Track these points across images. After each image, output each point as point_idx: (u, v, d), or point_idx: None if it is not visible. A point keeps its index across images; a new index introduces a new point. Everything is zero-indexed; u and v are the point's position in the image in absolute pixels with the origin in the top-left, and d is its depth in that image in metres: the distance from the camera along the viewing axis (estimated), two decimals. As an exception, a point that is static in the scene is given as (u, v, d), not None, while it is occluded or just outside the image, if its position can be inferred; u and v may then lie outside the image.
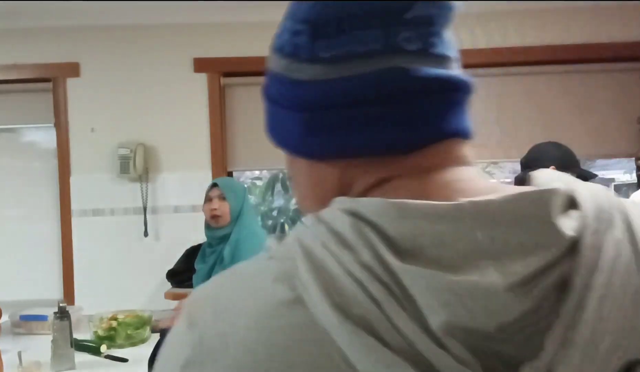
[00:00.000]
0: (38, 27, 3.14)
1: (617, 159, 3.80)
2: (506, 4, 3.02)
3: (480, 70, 3.15)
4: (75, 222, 3.19)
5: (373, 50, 0.43)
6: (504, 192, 0.39)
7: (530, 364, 0.34)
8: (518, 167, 2.34)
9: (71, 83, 3.19)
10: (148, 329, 2.37)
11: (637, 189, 2.48)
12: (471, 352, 0.34)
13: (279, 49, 0.47)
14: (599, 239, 0.37)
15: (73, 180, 3.19)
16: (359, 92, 0.43)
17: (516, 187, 0.41)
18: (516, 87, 3.19)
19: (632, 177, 2.28)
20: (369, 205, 0.38)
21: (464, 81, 0.46)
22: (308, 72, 0.44)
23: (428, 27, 0.44)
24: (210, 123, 3.18)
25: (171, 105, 3.18)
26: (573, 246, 0.36)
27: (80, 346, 2.15)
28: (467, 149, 0.46)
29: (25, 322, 2.55)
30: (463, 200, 0.37)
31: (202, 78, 3.18)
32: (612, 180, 5.56)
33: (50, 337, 2.02)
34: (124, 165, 3.08)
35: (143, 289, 3.03)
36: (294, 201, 4.28)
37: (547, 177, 0.43)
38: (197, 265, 2.39)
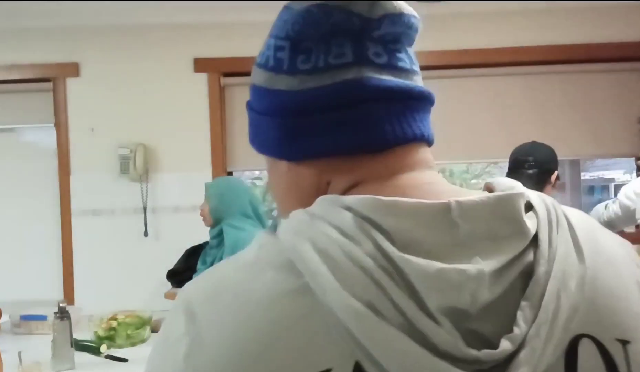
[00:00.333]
0: (38, 27, 3.14)
1: (617, 159, 3.80)
2: (506, 4, 3.02)
3: (480, 70, 3.16)
4: (75, 222, 3.19)
5: (345, 63, 0.49)
6: (471, 194, 0.45)
7: (508, 337, 0.40)
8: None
9: (71, 83, 3.19)
10: (148, 329, 2.37)
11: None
12: (456, 329, 0.39)
13: (263, 64, 0.53)
14: (551, 236, 0.44)
15: (73, 180, 3.19)
16: (331, 99, 0.49)
17: (478, 191, 0.48)
18: (516, 87, 3.18)
19: (632, 177, 2.28)
20: (361, 202, 0.43)
21: (425, 92, 0.52)
22: (288, 83, 0.50)
23: (394, 44, 0.51)
24: (210, 123, 3.18)
25: (171, 105, 3.18)
26: (533, 241, 0.44)
27: (80, 346, 2.15)
28: (429, 154, 0.52)
29: (25, 322, 2.55)
30: (450, 199, 0.43)
31: (202, 78, 3.18)
32: (612, 180, 5.56)
33: (50, 337, 2.02)
34: (124, 165, 3.08)
35: (143, 289, 3.03)
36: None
37: (509, 183, 0.49)
38: (198, 265, 2.40)
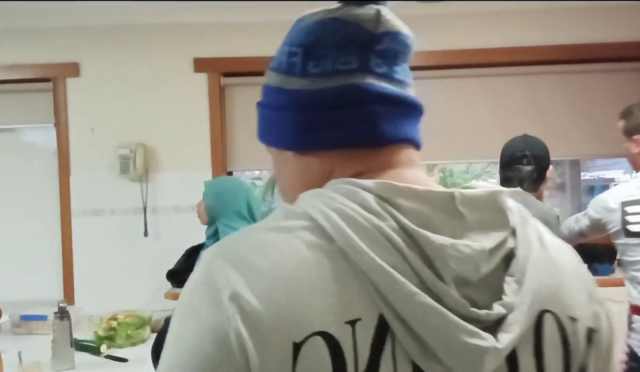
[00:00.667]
0: (38, 27, 3.14)
1: (617, 159, 3.80)
2: (506, 4, 3.03)
3: (480, 70, 3.16)
4: (75, 222, 3.19)
5: (350, 69, 0.57)
6: (459, 189, 0.54)
7: (501, 303, 0.49)
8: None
9: (71, 83, 3.19)
10: (148, 329, 2.37)
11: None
12: (461, 295, 0.48)
13: (277, 67, 0.62)
14: (525, 228, 0.54)
15: (73, 180, 3.19)
16: (338, 99, 0.57)
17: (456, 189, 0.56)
18: (516, 87, 3.18)
19: (632, 177, 2.29)
20: (379, 185, 0.50)
21: (416, 102, 0.60)
22: (300, 84, 0.58)
23: (393, 59, 0.59)
24: (210, 123, 3.18)
25: (171, 105, 3.18)
26: (512, 230, 0.53)
27: (80, 346, 2.15)
28: (417, 155, 0.60)
29: (25, 322, 2.55)
30: (454, 190, 0.52)
31: (202, 78, 3.18)
32: (612, 180, 5.56)
33: (50, 337, 2.02)
34: (124, 165, 3.08)
35: (143, 289, 3.03)
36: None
37: (489, 186, 0.57)
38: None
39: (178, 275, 2.89)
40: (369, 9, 0.58)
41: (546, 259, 0.54)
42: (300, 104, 0.58)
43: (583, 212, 2.31)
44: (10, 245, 3.24)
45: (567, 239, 2.16)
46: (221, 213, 2.23)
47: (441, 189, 0.52)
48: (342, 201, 0.49)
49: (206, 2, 2.82)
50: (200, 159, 3.17)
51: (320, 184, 0.54)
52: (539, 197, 2.16)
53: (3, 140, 3.32)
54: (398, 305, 0.46)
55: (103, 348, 2.16)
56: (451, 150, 3.12)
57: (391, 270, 0.46)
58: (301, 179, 0.60)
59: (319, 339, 0.45)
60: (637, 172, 2.22)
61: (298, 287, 0.46)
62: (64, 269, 3.18)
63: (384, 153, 0.57)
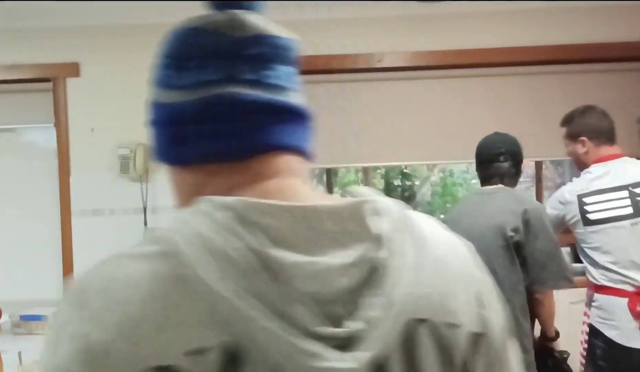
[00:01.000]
0: (38, 27, 3.14)
1: (617, 159, 3.80)
2: (506, 4, 3.03)
3: (480, 70, 3.16)
4: (75, 222, 3.19)
5: (214, 80, 0.55)
6: (331, 199, 0.54)
7: (352, 318, 0.47)
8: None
9: (71, 83, 3.19)
10: (148, 329, 2.37)
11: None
12: (316, 311, 0.46)
13: (155, 82, 0.61)
14: (398, 236, 0.52)
15: (73, 180, 3.19)
16: (202, 111, 0.55)
17: (336, 197, 0.56)
18: (516, 87, 3.18)
19: (582, 174, 2.33)
20: (239, 202, 0.48)
21: (296, 107, 0.58)
22: (173, 97, 0.57)
23: (265, 63, 0.57)
24: (210, 123, 3.18)
25: (171, 105, 3.17)
26: (378, 239, 0.51)
27: (80, 346, 2.15)
28: (297, 162, 0.58)
29: (25, 322, 2.55)
30: (311, 203, 0.50)
31: (202, 78, 3.18)
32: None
33: (50, 337, 2.02)
34: (124, 165, 3.08)
35: (143, 289, 3.03)
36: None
37: (363, 192, 0.56)
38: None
39: (178, 275, 2.89)
40: (226, 15, 0.57)
41: (425, 265, 0.52)
42: (171, 119, 0.57)
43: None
44: (10, 245, 3.24)
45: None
46: None
47: (309, 201, 0.51)
48: (195, 223, 0.48)
49: (206, 2, 2.82)
50: (200, 159, 3.16)
51: (194, 200, 0.52)
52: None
53: (3, 140, 3.32)
54: (239, 331, 0.44)
55: (103, 348, 2.16)
56: (451, 150, 3.11)
57: (230, 295, 0.44)
58: (181, 196, 0.60)
59: None
60: (584, 169, 2.35)
61: (136, 323, 0.44)
62: (64, 269, 3.18)
63: (254, 164, 0.55)
